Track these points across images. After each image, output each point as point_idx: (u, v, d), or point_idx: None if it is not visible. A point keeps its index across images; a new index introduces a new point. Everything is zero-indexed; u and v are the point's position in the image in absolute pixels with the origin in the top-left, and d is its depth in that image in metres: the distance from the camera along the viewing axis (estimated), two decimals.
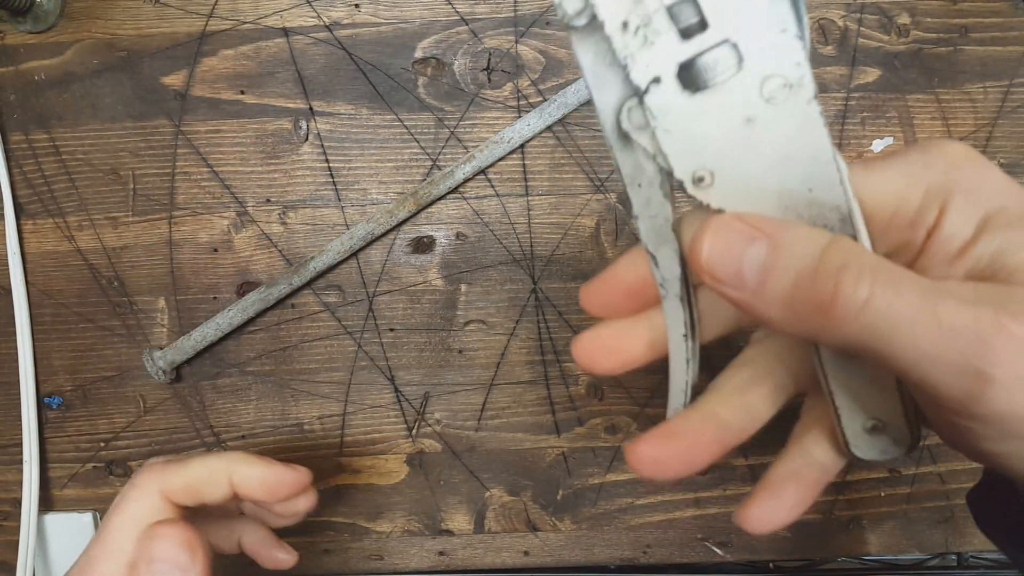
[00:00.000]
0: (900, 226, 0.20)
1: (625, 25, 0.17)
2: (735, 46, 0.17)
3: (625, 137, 0.19)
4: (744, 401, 0.22)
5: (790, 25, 0.17)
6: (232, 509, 0.35)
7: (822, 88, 0.39)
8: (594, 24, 0.17)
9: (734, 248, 0.18)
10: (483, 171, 0.39)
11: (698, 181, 0.18)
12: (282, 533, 0.34)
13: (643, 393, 0.41)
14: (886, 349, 0.17)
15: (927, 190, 0.19)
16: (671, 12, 0.17)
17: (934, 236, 0.19)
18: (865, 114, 0.39)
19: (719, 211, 0.19)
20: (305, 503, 0.33)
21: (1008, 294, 0.17)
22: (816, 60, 0.39)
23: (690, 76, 0.18)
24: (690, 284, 0.21)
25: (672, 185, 0.19)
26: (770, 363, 0.23)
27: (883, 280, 0.17)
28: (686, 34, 0.17)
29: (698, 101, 0.18)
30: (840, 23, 0.39)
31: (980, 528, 0.25)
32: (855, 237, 0.19)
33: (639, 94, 0.18)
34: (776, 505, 0.23)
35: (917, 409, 0.21)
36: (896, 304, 0.17)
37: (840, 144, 0.39)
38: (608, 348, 0.23)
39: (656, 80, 0.18)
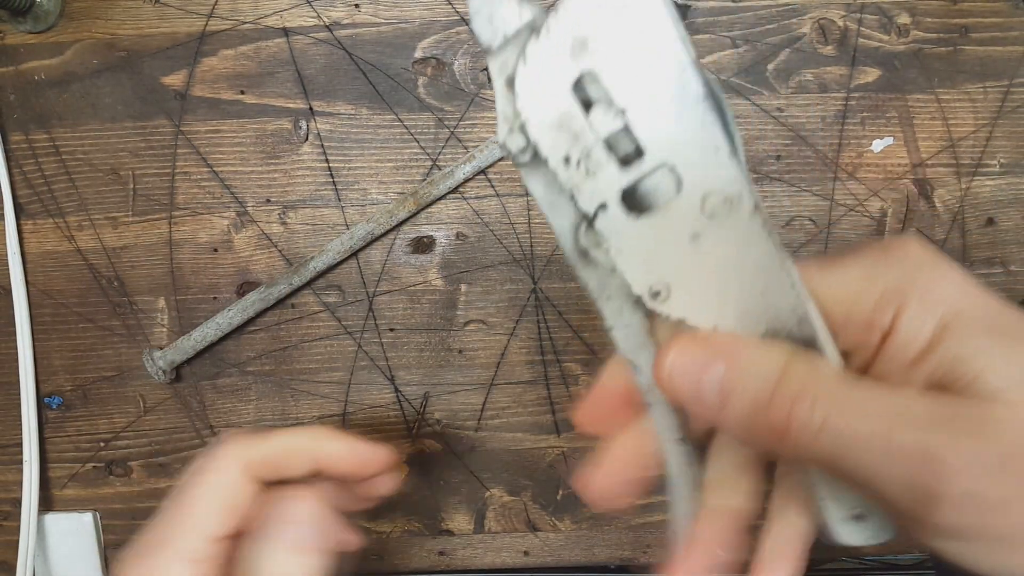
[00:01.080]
0: (856, 327, 0.20)
1: (567, 159, 0.18)
2: (672, 169, 0.18)
3: (585, 255, 0.20)
4: (744, 485, 0.23)
5: (722, 144, 0.18)
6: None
7: (823, 88, 0.39)
8: (538, 159, 0.18)
9: (694, 369, 0.19)
10: (483, 171, 0.39)
11: (655, 295, 0.19)
12: None
13: None
14: (842, 468, 0.18)
15: (883, 292, 0.20)
16: (609, 143, 0.18)
17: (890, 340, 0.19)
18: (865, 114, 0.39)
19: (680, 321, 0.19)
20: (388, 484, 0.31)
21: (961, 411, 0.18)
22: (816, 60, 0.39)
23: (634, 200, 0.19)
24: None
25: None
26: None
27: (837, 407, 0.18)
28: (625, 162, 0.18)
29: (644, 222, 0.19)
30: (840, 23, 0.39)
31: None
32: (814, 338, 0.19)
33: (588, 220, 0.19)
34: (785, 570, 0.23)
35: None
36: (849, 430, 0.18)
37: (840, 144, 0.39)
38: (616, 483, 0.24)
39: (603, 206, 0.19)
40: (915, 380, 0.19)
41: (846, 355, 0.20)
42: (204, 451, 0.29)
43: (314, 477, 0.30)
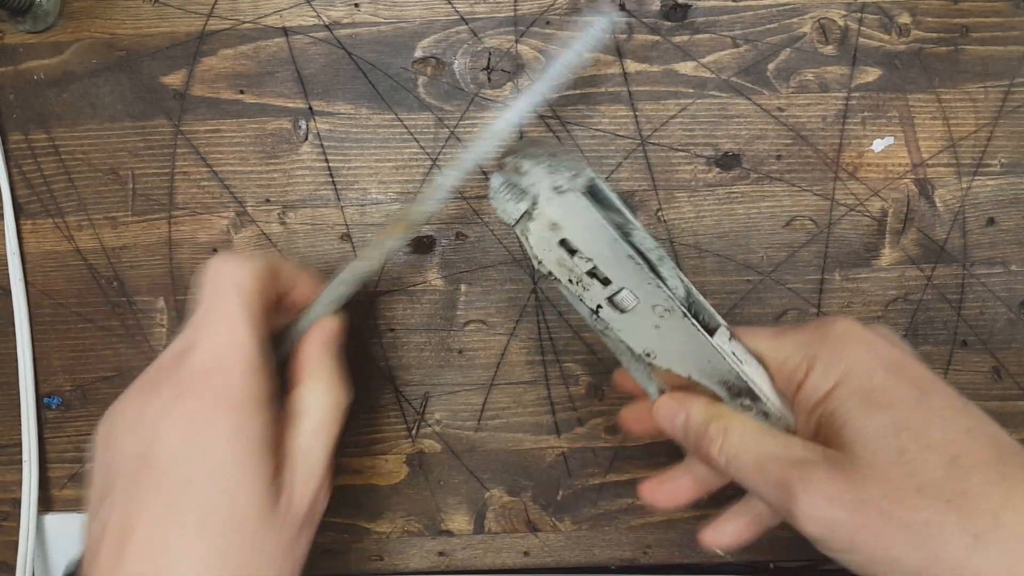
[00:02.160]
0: (784, 378, 0.29)
1: (570, 281, 0.29)
2: (630, 290, 0.28)
3: (604, 332, 0.30)
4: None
5: (651, 279, 0.28)
6: None
7: (823, 87, 0.39)
8: (556, 279, 0.29)
9: (669, 415, 0.31)
10: (484, 171, 0.39)
11: (647, 355, 0.30)
12: None
13: None
14: (742, 484, 0.29)
15: (804, 355, 0.28)
16: (592, 273, 0.29)
17: (800, 390, 0.28)
18: (866, 114, 0.39)
19: (667, 371, 0.30)
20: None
21: (817, 457, 0.26)
22: (817, 60, 0.39)
23: (615, 304, 0.29)
24: None
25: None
26: None
27: (737, 446, 0.28)
28: (604, 283, 0.29)
29: (627, 317, 0.29)
30: (841, 22, 0.39)
31: None
32: (749, 388, 0.29)
33: (593, 312, 0.30)
34: (733, 527, 0.34)
35: None
36: (742, 462, 0.28)
37: (841, 144, 0.39)
38: (668, 492, 0.34)
39: (599, 307, 0.29)
40: (811, 423, 0.28)
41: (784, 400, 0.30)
42: (198, 278, 0.30)
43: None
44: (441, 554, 0.42)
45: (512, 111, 0.30)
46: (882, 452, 0.25)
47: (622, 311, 0.29)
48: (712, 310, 0.29)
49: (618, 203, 0.28)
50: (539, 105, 0.32)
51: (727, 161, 0.40)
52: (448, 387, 0.41)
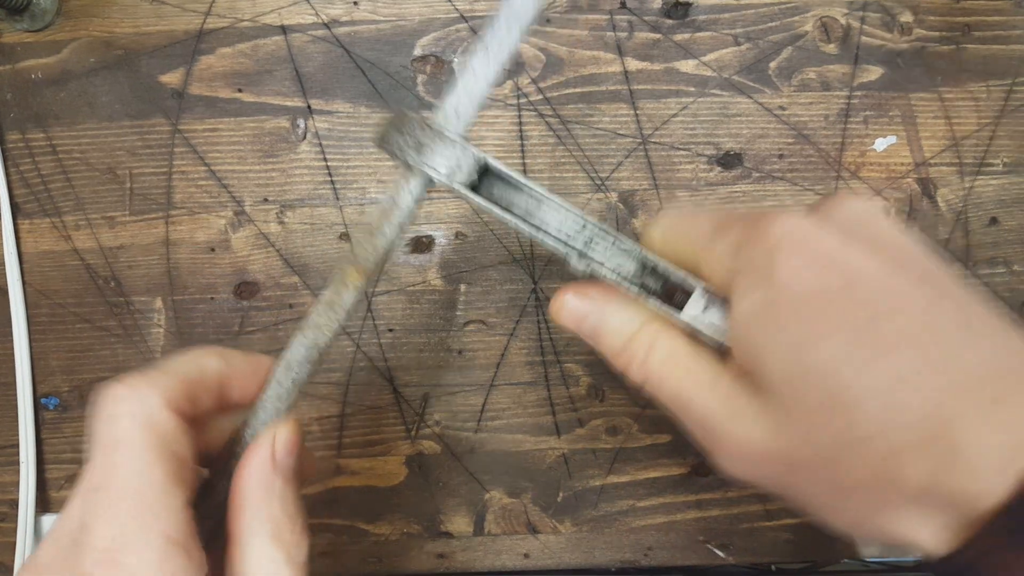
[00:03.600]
0: (718, 287, 0.24)
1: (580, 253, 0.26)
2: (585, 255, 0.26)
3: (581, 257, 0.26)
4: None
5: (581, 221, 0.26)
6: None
7: (825, 86, 0.39)
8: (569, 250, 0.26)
9: (577, 315, 0.26)
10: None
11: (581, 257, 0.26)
12: None
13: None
14: (663, 406, 0.25)
15: (733, 264, 0.23)
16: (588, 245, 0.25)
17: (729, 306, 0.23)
18: (868, 113, 0.39)
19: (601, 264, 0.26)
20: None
21: (744, 399, 0.22)
22: (819, 58, 0.39)
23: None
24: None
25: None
26: None
27: (654, 366, 0.24)
28: (582, 255, 0.25)
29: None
30: (843, 21, 0.39)
31: None
32: (667, 276, 0.25)
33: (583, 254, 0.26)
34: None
35: None
36: (661, 385, 0.24)
37: (843, 143, 0.39)
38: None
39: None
40: (739, 346, 0.23)
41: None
42: (95, 411, 0.22)
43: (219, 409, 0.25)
44: (440, 556, 0.42)
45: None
46: (811, 396, 0.20)
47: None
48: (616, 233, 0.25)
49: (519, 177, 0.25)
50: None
51: (729, 160, 0.39)
52: (448, 388, 0.41)
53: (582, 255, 0.25)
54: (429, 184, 0.25)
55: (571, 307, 0.26)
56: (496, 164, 0.25)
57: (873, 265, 0.21)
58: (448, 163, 0.24)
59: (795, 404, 0.20)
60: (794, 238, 0.21)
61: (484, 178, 0.25)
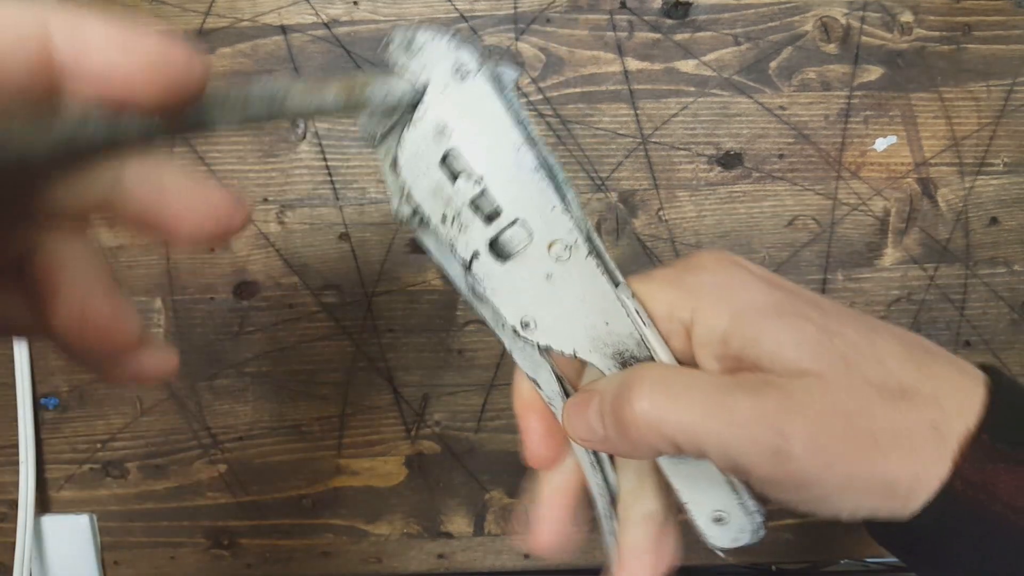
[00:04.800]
0: (666, 327, 0.23)
1: (444, 218, 0.23)
2: (524, 223, 0.23)
3: (476, 294, 0.24)
4: (649, 491, 0.26)
5: (557, 203, 0.22)
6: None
7: (825, 86, 0.39)
8: (424, 223, 0.23)
9: (581, 416, 0.23)
10: None
11: (525, 326, 0.24)
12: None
13: None
14: (696, 446, 0.21)
15: (678, 296, 0.23)
16: (475, 204, 0.23)
17: (693, 332, 0.23)
18: (868, 112, 0.39)
19: (547, 348, 0.24)
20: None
21: (767, 381, 0.21)
22: (819, 58, 0.39)
23: (499, 248, 0.23)
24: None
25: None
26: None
27: (663, 390, 0.21)
28: (488, 219, 0.23)
29: (509, 267, 0.23)
30: (843, 21, 0.39)
31: (877, 543, 0.26)
32: (652, 356, 0.23)
33: (465, 267, 0.23)
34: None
35: (755, 498, 0.24)
36: (682, 410, 0.21)
37: (843, 143, 0.39)
38: (555, 526, 0.28)
39: (476, 255, 0.23)
40: (722, 365, 0.22)
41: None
42: None
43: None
44: (440, 556, 0.42)
45: None
46: (825, 359, 0.21)
47: (506, 257, 0.23)
48: (613, 264, 0.24)
49: (519, 106, 0.23)
50: None
51: (729, 160, 0.39)
52: (448, 388, 0.41)
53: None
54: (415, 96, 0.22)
55: (571, 413, 0.25)
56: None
57: (787, 284, 0.24)
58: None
59: (814, 367, 0.21)
60: (722, 258, 0.24)
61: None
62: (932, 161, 0.39)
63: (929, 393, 0.21)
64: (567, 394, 0.25)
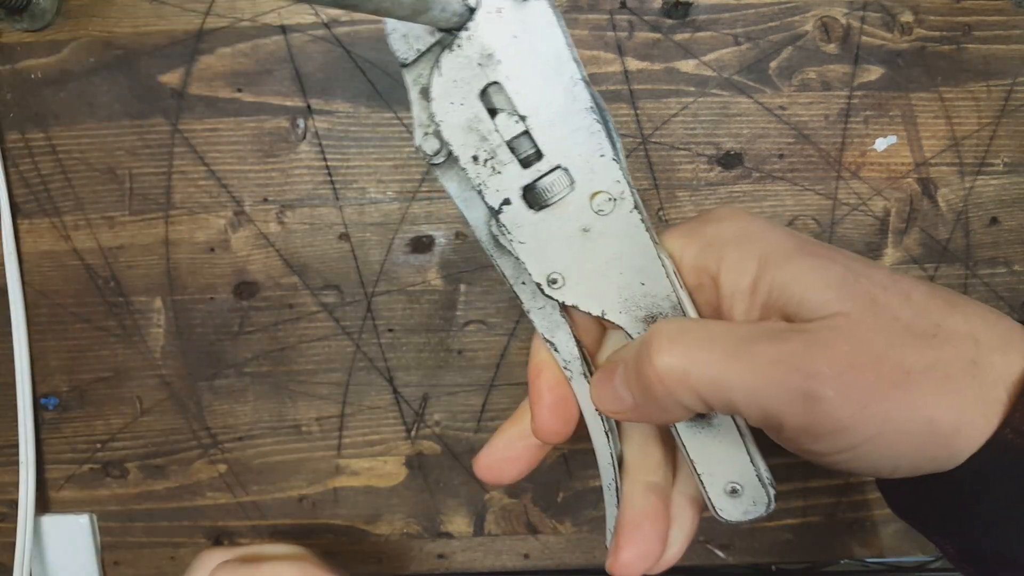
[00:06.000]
0: (693, 280, 0.23)
1: (475, 158, 0.21)
2: (566, 170, 0.21)
3: (499, 245, 0.23)
4: (654, 459, 0.26)
5: (607, 151, 0.21)
6: None
7: (825, 86, 0.39)
8: (451, 160, 0.21)
9: (608, 387, 0.22)
10: None
11: (552, 283, 0.22)
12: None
13: None
14: (725, 398, 0.20)
15: (701, 246, 0.22)
16: (511, 146, 0.21)
17: (721, 283, 0.22)
18: (868, 112, 0.39)
19: (573, 307, 0.22)
20: None
21: (792, 327, 0.20)
22: (819, 58, 0.39)
23: (533, 196, 0.21)
24: (590, 363, 0.25)
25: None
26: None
27: (683, 343, 0.20)
28: (526, 163, 0.21)
29: (542, 216, 0.21)
30: (843, 21, 0.38)
31: (893, 511, 0.26)
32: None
33: (493, 214, 0.21)
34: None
35: (769, 471, 0.24)
36: (705, 360, 0.20)
37: (843, 143, 0.39)
38: (506, 459, 0.27)
39: (507, 202, 0.21)
40: (752, 313, 0.22)
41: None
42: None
43: None
44: (440, 556, 0.42)
45: None
46: (851, 299, 0.20)
47: (540, 206, 0.21)
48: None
49: (570, 39, 0.20)
50: None
51: (729, 160, 0.39)
52: (447, 388, 0.41)
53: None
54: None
55: (598, 385, 0.23)
56: None
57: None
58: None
59: (846, 307, 0.20)
60: (740, 210, 0.24)
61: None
62: (932, 161, 0.39)
63: (963, 330, 0.20)
64: (584, 359, 0.24)
